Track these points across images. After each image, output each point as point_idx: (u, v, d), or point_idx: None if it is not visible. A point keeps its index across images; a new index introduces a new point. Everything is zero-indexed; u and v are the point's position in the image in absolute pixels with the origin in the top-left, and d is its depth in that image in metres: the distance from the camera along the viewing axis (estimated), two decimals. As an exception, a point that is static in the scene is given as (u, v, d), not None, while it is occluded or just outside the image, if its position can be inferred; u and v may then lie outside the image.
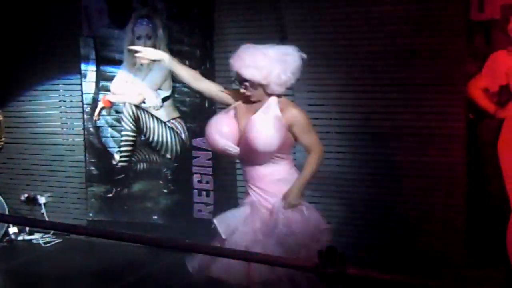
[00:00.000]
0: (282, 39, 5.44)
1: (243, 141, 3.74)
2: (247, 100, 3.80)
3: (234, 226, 3.81)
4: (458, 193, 4.89)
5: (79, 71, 6.23)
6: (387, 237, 5.28)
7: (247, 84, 3.69)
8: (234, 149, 3.79)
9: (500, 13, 4.46)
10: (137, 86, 6.02)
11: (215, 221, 3.90)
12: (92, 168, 6.32)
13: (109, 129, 6.21)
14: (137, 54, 4.07)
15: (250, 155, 3.77)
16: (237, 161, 5.79)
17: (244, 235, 3.74)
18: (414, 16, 5.03)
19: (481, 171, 4.63)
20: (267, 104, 3.72)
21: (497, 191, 4.57)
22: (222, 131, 3.78)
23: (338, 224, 5.43)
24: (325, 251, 2.21)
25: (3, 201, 6.32)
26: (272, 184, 3.80)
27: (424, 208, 5.17)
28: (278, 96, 3.75)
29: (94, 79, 6.18)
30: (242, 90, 3.74)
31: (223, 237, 3.81)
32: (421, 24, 5.01)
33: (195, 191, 5.91)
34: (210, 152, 5.79)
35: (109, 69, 6.13)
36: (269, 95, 3.72)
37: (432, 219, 5.15)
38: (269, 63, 3.64)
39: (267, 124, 3.67)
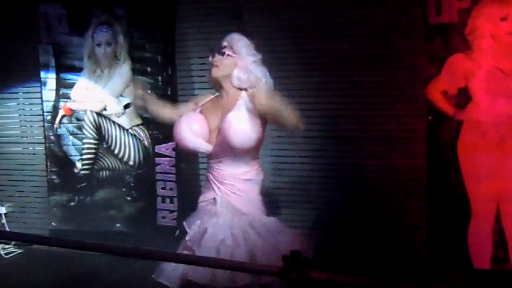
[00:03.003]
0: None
1: (218, 139, 3.74)
2: (214, 99, 3.85)
3: (203, 229, 3.80)
4: (419, 194, 4.95)
5: (38, 79, 6.16)
6: (349, 239, 5.32)
7: (225, 51, 3.73)
8: (206, 146, 3.77)
9: (457, 17, 4.53)
10: (98, 93, 5.97)
11: (185, 225, 3.90)
12: (54, 176, 6.25)
13: (71, 137, 6.15)
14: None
15: (223, 153, 3.76)
16: (202, 159, 5.81)
17: (213, 237, 3.74)
18: (374, 20, 5.08)
19: (442, 172, 4.69)
20: (239, 101, 3.73)
21: (458, 192, 4.64)
22: (193, 128, 3.76)
23: (303, 228, 5.45)
24: (289, 256, 2.22)
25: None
26: (242, 183, 3.81)
27: (385, 209, 5.22)
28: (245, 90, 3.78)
29: (54, 86, 6.11)
30: (215, 58, 3.75)
31: (188, 243, 3.80)
32: (380, 28, 5.07)
33: (159, 198, 5.88)
34: (173, 159, 5.78)
35: (69, 76, 6.07)
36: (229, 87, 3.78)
37: (393, 221, 5.20)
38: (252, 53, 3.77)
39: (243, 120, 3.65)
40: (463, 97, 4.60)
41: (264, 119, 3.72)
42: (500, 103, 4.52)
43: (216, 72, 3.76)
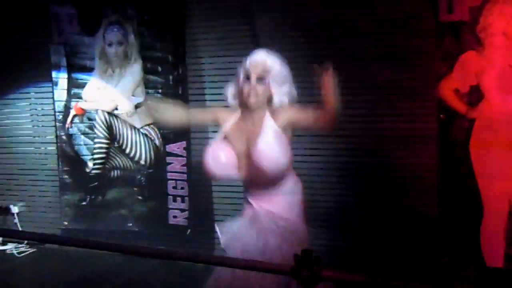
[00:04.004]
0: (254, 44, 5.45)
1: (249, 168, 3.65)
2: (237, 123, 3.72)
3: (234, 235, 3.78)
4: (431, 193, 4.93)
5: (50, 79, 6.18)
6: (362, 238, 5.31)
7: (265, 80, 3.59)
8: (237, 176, 3.72)
9: (468, 15, 4.51)
10: (110, 92, 5.99)
11: (217, 228, 3.87)
12: (66, 176, 6.27)
13: (82, 137, 6.17)
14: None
15: (255, 178, 3.69)
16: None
17: (243, 244, 3.71)
18: (385, 19, 5.06)
19: (454, 170, 4.67)
20: (264, 122, 3.62)
21: (470, 190, 4.62)
22: (221, 161, 3.66)
23: (314, 227, 5.45)
24: (300, 254, 2.22)
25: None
26: (278, 196, 3.76)
27: (397, 208, 5.20)
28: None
29: (65, 86, 6.14)
30: (253, 85, 3.57)
31: (222, 246, 3.78)
32: (391, 26, 5.05)
33: (170, 197, 5.88)
34: (184, 158, 5.78)
35: (80, 76, 6.09)
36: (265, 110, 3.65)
37: (405, 219, 5.18)
38: (284, 74, 3.69)
39: (274, 146, 3.58)
40: (475, 95, 4.58)
41: (290, 132, 3.68)
42: (512, 100, 4.50)
43: (255, 101, 3.60)
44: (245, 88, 3.60)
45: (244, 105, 3.66)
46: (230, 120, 3.75)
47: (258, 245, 3.67)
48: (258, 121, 3.65)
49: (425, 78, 4.92)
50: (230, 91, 3.75)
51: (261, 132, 3.60)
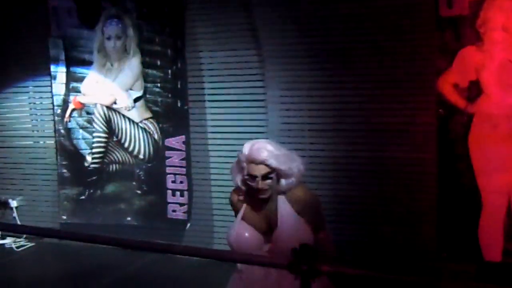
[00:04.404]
0: (253, 38, 5.46)
1: (272, 247, 3.55)
2: (248, 206, 3.62)
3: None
4: (430, 187, 4.92)
5: (48, 73, 6.18)
6: (360, 232, 5.31)
7: (270, 176, 3.47)
8: (263, 248, 3.68)
9: (468, 9, 4.50)
10: (108, 86, 5.98)
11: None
12: (64, 170, 6.26)
13: (81, 131, 6.16)
14: None
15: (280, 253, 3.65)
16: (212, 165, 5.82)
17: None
18: (384, 13, 5.06)
19: (452, 165, 4.66)
20: (279, 202, 3.56)
21: (469, 185, 4.61)
22: (245, 237, 3.56)
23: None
24: (298, 249, 2.22)
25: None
26: None
27: (396, 203, 5.20)
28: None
29: (64, 80, 6.13)
30: (260, 185, 3.45)
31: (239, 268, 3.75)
32: (391, 21, 5.04)
33: (169, 191, 5.88)
34: (183, 152, 5.78)
35: (79, 70, 6.09)
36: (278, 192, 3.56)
37: (404, 214, 5.18)
38: (286, 153, 3.52)
39: (295, 232, 3.50)
40: (474, 90, 4.57)
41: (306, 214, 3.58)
42: (511, 95, 4.49)
43: (265, 196, 3.52)
44: (252, 185, 3.50)
45: (255, 195, 3.58)
46: (244, 202, 3.66)
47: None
48: (272, 206, 3.59)
49: (424, 72, 4.91)
50: (238, 179, 3.60)
51: (278, 218, 3.55)
